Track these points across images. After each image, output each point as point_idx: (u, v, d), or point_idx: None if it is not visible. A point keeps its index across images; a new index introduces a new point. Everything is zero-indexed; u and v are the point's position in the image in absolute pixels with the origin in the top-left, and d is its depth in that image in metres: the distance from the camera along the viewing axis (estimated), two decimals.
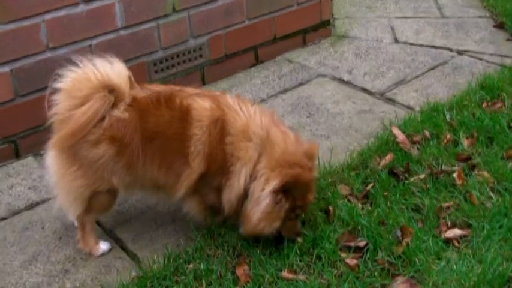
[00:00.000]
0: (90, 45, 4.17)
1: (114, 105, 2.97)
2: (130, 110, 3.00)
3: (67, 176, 3.04)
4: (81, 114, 2.89)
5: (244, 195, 3.06)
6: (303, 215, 3.25)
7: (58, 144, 2.99)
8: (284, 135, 3.10)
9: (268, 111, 3.21)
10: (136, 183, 3.16)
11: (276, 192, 2.97)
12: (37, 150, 4.05)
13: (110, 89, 2.93)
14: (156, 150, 3.04)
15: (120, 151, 2.99)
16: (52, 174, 3.12)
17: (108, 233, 3.42)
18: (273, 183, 2.96)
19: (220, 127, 3.04)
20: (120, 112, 2.97)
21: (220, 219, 3.31)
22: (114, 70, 2.97)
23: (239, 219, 3.18)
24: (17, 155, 4.08)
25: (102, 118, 2.94)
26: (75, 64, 2.96)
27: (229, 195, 3.10)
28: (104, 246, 3.26)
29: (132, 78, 3.08)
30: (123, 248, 3.32)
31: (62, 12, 4.00)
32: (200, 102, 3.07)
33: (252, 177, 3.03)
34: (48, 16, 3.95)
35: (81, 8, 4.08)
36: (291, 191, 3.00)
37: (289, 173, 2.98)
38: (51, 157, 3.09)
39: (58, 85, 2.94)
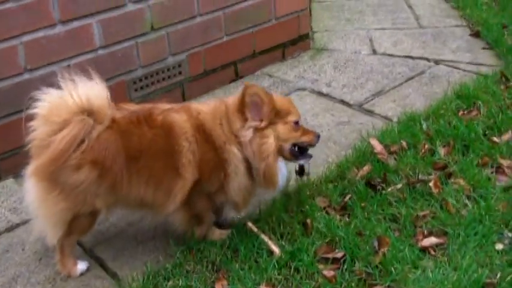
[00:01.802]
0: (69, 65, 4.19)
1: (93, 128, 2.95)
2: (110, 132, 2.99)
3: (48, 201, 3.02)
4: (60, 140, 2.86)
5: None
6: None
7: (38, 172, 2.97)
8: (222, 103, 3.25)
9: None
10: (121, 203, 3.18)
11: (250, 126, 3.10)
12: (17, 172, 4.04)
13: (89, 112, 2.92)
14: (141, 170, 3.05)
15: (102, 174, 2.98)
16: (32, 200, 3.09)
17: (88, 253, 3.43)
18: (241, 124, 3.12)
19: (202, 132, 3.12)
20: (100, 135, 2.96)
21: (202, 230, 3.35)
22: (93, 92, 2.95)
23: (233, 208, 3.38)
24: None
25: (82, 142, 2.92)
26: (54, 85, 2.94)
27: (238, 184, 3.19)
28: (82, 266, 3.26)
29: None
30: (103, 267, 3.33)
31: (39, 34, 4.03)
32: (177, 116, 3.13)
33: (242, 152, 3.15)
34: (25, 38, 3.97)
35: (59, 28, 4.11)
36: (257, 112, 3.11)
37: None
38: (31, 184, 3.05)
39: (35, 110, 2.91)
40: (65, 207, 3.02)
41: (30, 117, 2.95)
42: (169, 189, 3.11)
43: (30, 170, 3.02)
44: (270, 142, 3.13)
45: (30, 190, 3.07)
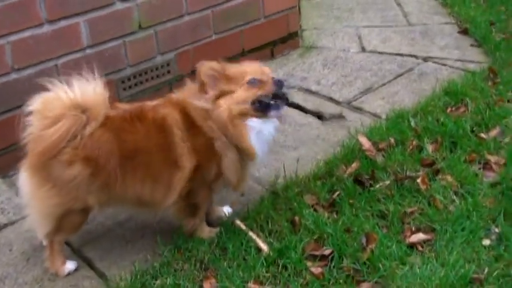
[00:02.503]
0: (56, 65, 4.18)
1: (86, 125, 2.97)
2: (104, 129, 3.02)
3: (39, 195, 3.04)
4: (52, 133, 2.90)
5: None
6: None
7: (30, 163, 3.00)
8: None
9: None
10: (114, 201, 3.19)
11: (206, 99, 3.13)
12: (5, 172, 4.05)
13: (83, 109, 2.94)
14: (137, 168, 3.07)
15: (95, 172, 3.00)
16: (24, 193, 3.12)
17: (76, 252, 3.42)
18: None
19: (188, 116, 3.15)
20: (94, 132, 2.98)
21: (194, 223, 3.35)
22: (88, 89, 2.98)
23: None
24: None
25: (74, 137, 2.95)
26: (49, 84, 2.97)
27: (229, 160, 3.21)
28: (70, 265, 3.26)
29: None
30: (91, 267, 3.32)
31: (26, 33, 4.01)
32: (166, 110, 3.17)
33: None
34: (12, 37, 3.95)
35: (46, 28, 4.09)
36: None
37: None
38: (24, 177, 3.09)
39: (30, 107, 2.95)
40: (56, 202, 3.03)
41: (26, 115, 2.97)
42: (169, 182, 3.13)
43: (24, 163, 3.04)
44: (223, 109, 3.12)
45: (24, 184, 3.09)
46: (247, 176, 3.45)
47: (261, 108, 3.17)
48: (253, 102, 3.16)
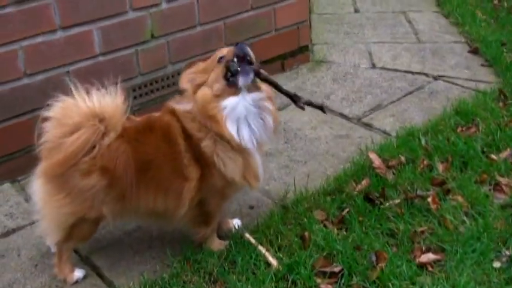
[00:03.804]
0: (68, 72, 4.18)
1: (104, 135, 2.96)
2: (121, 140, 3.01)
3: (53, 203, 3.02)
4: (71, 143, 2.88)
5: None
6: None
7: (47, 172, 2.98)
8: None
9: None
10: (128, 212, 3.18)
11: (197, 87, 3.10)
12: (14, 177, 4.05)
13: (100, 118, 2.93)
14: (150, 181, 3.06)
15: (112, 183, 2.99)
16: (37, 200, 3.09)
17: (84, 260, 3.41)
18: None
19: (183, 128, 3.10)
20: (111, 143, 2.98)
21: (206, 232, 3.32)
22: (106, 98, 2.97)
23: None
24: None
25: (93, 147, 2.94)
26: (68, 91, 2.96)
27: (229, 159, 3.11)
28: (78, 273, 3.25)
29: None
30: (100, 275, 3.31)
31: (39, 39, 4.01)
32: (167, 118, 3.14)
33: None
34: (25, 43, 3.95)
35: (59, 34, 4.09)
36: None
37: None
38: (38, 184, 3.06)
39: (48, 113, 2.94)
40: (70, 211, 3.01)
41: (44, 121, 2.96)
42: (179, 193, 3.10)
43: (39, 170, 3.02)
44: (198, 96, 3.05)
45: (37, 190, 3.07)
46: (255, 167, 3.22)
47: (232, 78, 3.00)
48: (224, 77, 3.02)
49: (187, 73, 3.17)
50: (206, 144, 3.08)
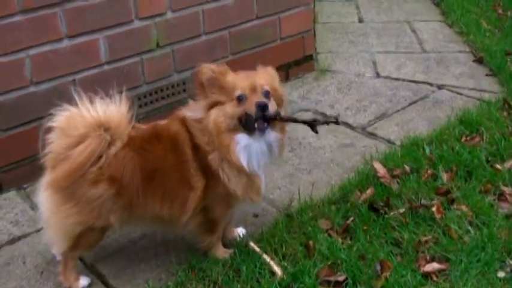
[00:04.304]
0: (74, 80, 4.20)
1: (111, 144, 2.97)
2: (127, 149, 3.02)
3: (60, 213, 3.02)
4: (78, 154, 2.88)
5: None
6: None
7: (55, 184, 2.97)
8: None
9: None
10: (135, 220, 3.20)
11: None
12: (20, 185, 4.07)
13: (106, 128, 2.93)
14: (156, 188, 3.07)
15: (119, 191, 3.00)
16: (44, 210, 3.09)
17: (89, 268, 3.42)
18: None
19: (193, 136, 3.11)
20: (118, 152, 2.98)
21: (211, 240, 3.33)
22: (111, 108, 2.97)
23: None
24: (0, 189, 4.08)
25: (100, 157, 2.94)
26: (72, 100, 2.95)
27: (233, 175, 3.11)
28: (84, 281, 3.25)
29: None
30: (105, 284, 3.31)
31: (46, 47, 4.04)
32: (175, 126, 3.14)
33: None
34: (32, 51, 3.98)
35: (66, 43, 4.12)
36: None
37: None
38: (45, 194, 3.05)
39: (52, 123, 2.93)
40: (77, 220, 3.02)
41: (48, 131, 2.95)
42: (184, 201, 3.12)
43: (45, 181, 3.02)
44: (210, 120, 3.05)
45: (44, 201, 3.07)
46: (258, 184, 3.24)
47: (249, 126, 3.04)
48: (239, 119, 3.05)
49: (209, 68, 3.07)
50: (213, 158, 3.10)
